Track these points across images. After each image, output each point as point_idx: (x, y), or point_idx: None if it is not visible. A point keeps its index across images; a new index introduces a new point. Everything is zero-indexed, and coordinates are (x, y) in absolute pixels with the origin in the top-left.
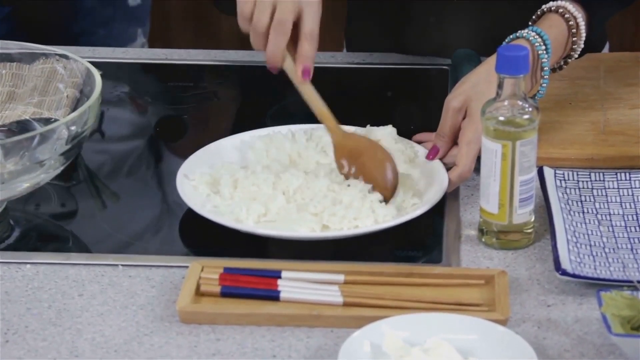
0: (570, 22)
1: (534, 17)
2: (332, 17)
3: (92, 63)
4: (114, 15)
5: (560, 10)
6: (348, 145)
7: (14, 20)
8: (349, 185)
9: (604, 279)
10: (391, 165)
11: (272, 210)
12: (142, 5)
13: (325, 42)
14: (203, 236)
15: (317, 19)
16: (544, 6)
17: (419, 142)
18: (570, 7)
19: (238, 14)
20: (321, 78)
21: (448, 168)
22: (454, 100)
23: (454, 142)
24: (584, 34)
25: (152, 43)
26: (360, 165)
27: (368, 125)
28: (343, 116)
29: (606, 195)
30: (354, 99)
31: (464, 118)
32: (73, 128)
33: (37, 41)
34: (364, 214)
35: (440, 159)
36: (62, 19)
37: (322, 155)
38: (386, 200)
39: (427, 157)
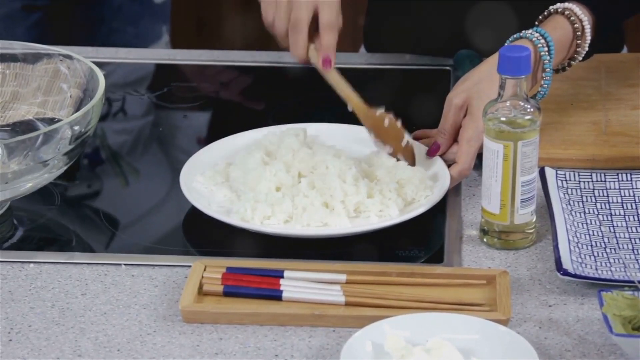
0: (576, 25)
1: (540, 17)
2: (351, 16)
3: (96, 63)
4: (142, 13)
5: (567, 12)
6: (371, 118)
7: (43, 25)
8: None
9: (605, 279)
10: (405, 135)
11: (277, 211)
12: (166, 3)
13: (343, 42)
14: (206, 236)
15: (335, 10)
16: (551, 7)
17: (418, 139)
18: (577, 10)
19: (263, 19)
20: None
21: (448, 165)
22: (455, 97)
23: (455, 139)
24: (589, 38)
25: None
26: (384, 135)
27: None
28: (346, 116)
29: (607, 196)
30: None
31: (465, 115)
32: (76, 128)
33: (66, 44)
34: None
35: (441, 156)
36: (91, 20)
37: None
38: (411, 163)
39: (428, 154)
